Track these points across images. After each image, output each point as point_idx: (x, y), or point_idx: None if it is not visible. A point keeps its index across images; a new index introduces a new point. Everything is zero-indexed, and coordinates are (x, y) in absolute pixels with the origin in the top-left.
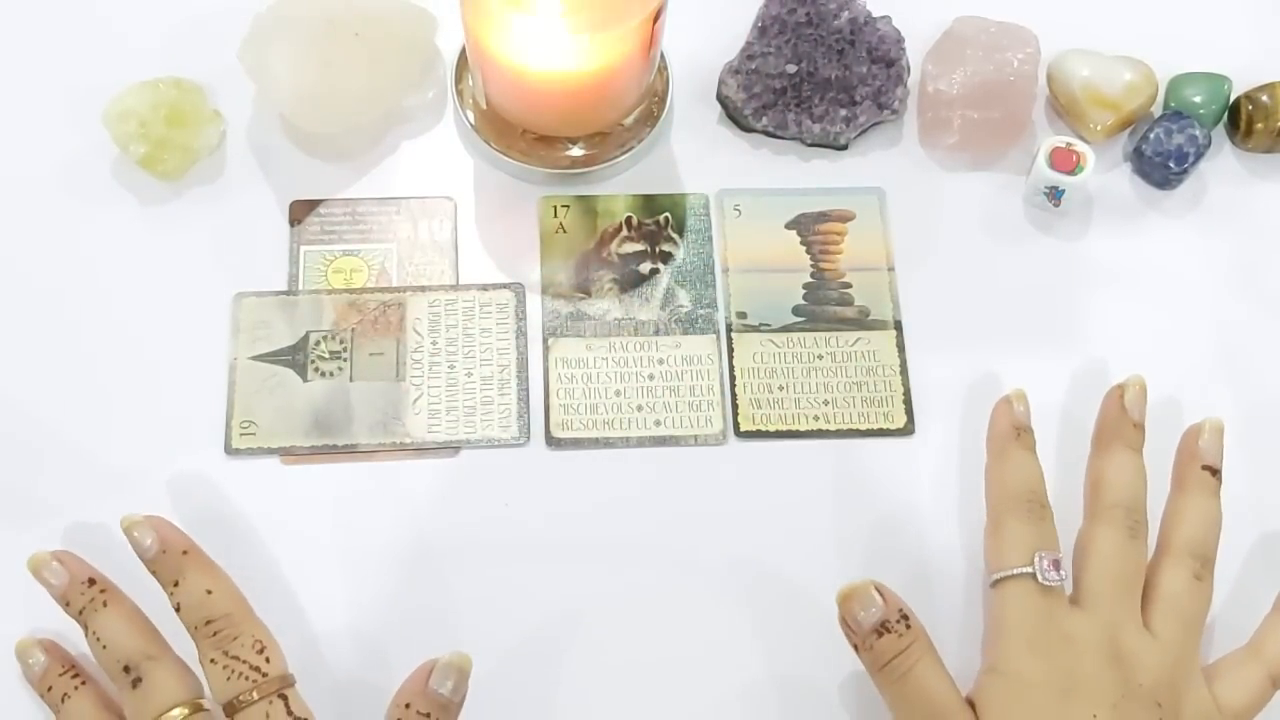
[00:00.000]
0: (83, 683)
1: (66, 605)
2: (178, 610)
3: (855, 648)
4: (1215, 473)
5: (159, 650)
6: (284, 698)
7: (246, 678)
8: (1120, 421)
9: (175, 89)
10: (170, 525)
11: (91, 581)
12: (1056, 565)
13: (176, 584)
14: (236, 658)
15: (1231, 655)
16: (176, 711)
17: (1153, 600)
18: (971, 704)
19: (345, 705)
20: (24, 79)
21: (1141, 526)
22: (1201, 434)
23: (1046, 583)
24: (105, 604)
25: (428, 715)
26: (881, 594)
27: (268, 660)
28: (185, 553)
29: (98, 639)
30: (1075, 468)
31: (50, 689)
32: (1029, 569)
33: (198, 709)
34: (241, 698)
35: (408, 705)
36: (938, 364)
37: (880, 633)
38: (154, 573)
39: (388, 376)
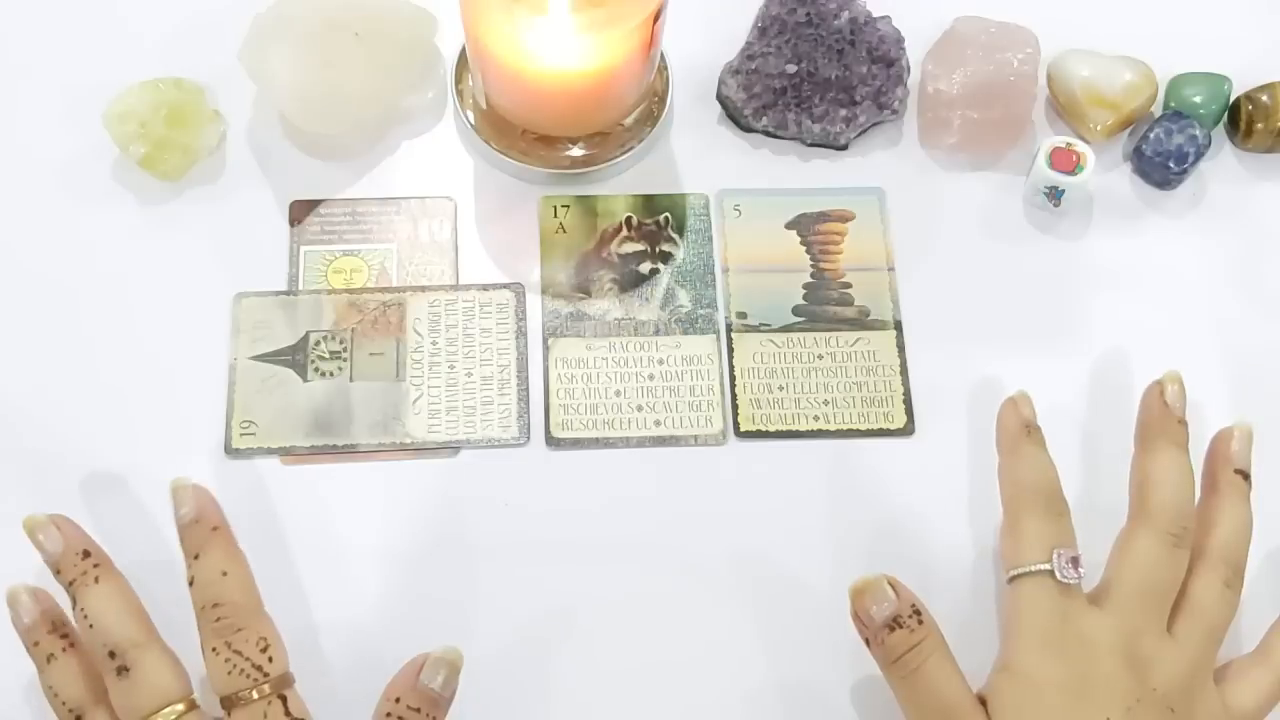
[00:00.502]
0: (71, 645)
1: (58, 574)
2: (190, 584)
3: (867, 642)
4: (1246, 477)
5: (147, 637)
6: (283, 698)
7: (248, 675)
8: (1165, 418)
9: (175, 89)
10: (211, 499)
11: (86, 554)
12: (1075, 563)
13: (197, 557)
14: (239, 652)
15: (1241, 659)
16: (169, 710)
17: (1180, 607)
18: (983, 701)
19: (345, 705)
20: (24, 79)
21: (1187, 534)
22: (1233, 438)
23: (1065, 580)
24: (97, 579)
25: (418, 710)
26: (894, 588)
27: (270, 659)
28: (215, 529)
29: (85, 616)
30: (1075, 468)
31: (37, 644)
32: (1047, 566)
33: (191, 706)
34: (241, 694)
35: (398, 700)
36: (938, 364)
37: (892, 627)
38: (181, 540)
39: (388, 376)
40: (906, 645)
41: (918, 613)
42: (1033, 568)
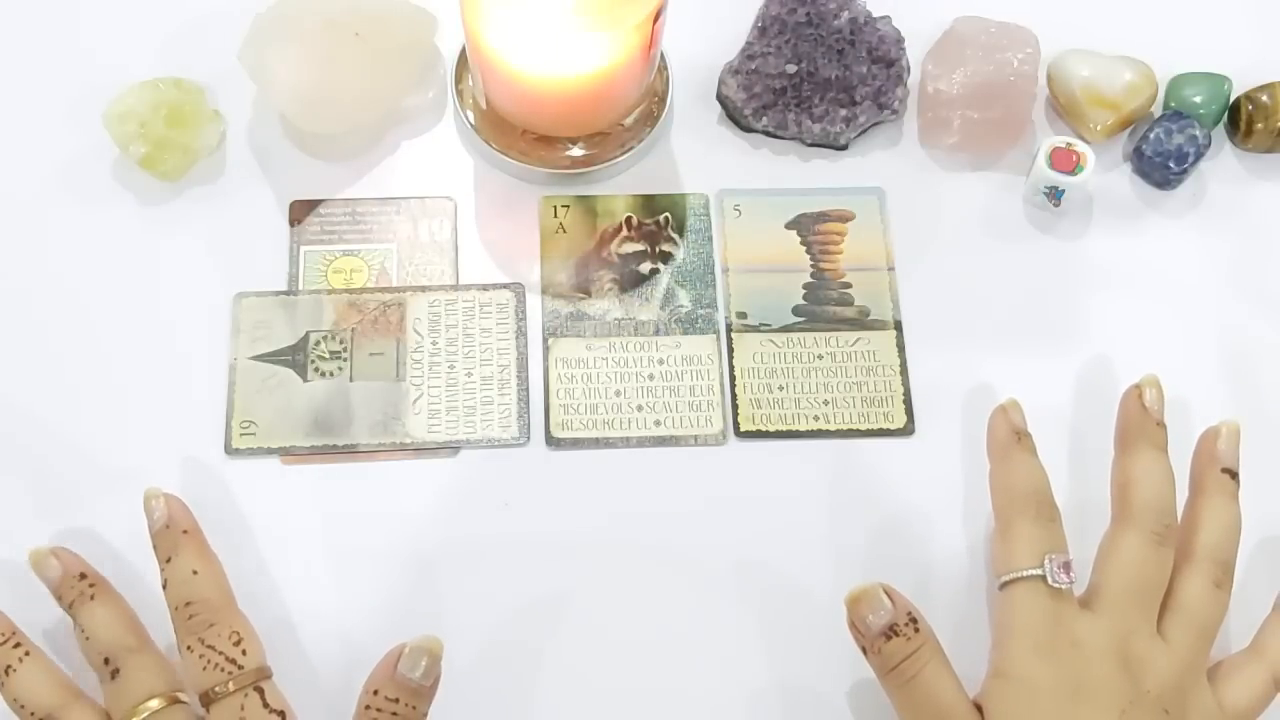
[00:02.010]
0: (27, 654)
1: (59, 599)
2: (164, 588)
3: (863, 650)
4: (1234, 476)
5: (139, 643)
6: (260, 690)
7: (222, 669)
8: (1143, 421)
9: (175, 89)
10: (182, 506)
11: (82, 576)
12: (1067, 568)
13: (169, 560)
14: (212, 647)
15: (1234, 656)
16: (153, 702)
17: (1170, 607)
18: (979, 707)
19: (343, 705)
20: (24, 79)
21: (1171, 532)
22: (1219, 437)
23: (1056, 585)
24: (92, 597)
25: (396, 700)
26: (890, 597)
27: (244, 653)
28: (185, 532)
29: (83, 631)
30: (1076, 468)
31: None
32: (1039, 571)
33: (174, 701)
34: (217, 689)
35: (376, 692)
36: (938, 364)
37: (889, 636)
38: (155, 548)
39: (388, 376)
40: (903, 654)
41: (914, 620)
42: (1025, 573)
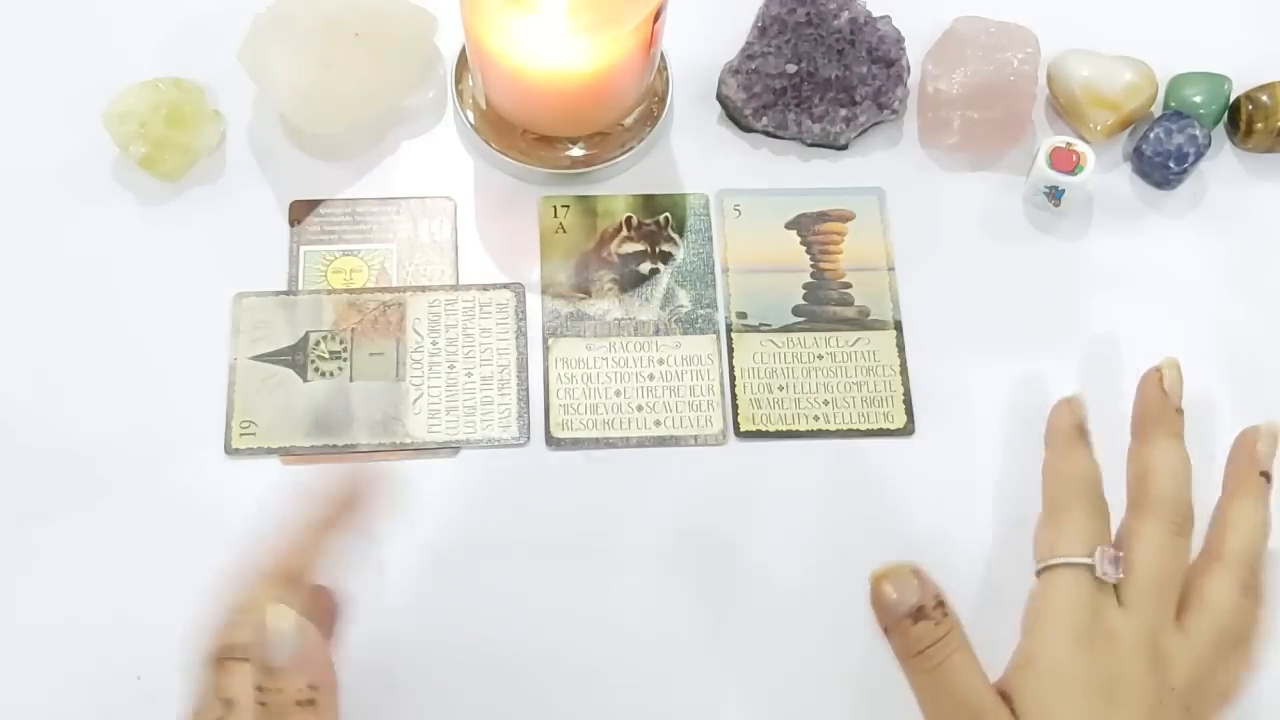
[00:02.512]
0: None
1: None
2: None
3: (885, 630)
4: (1269, 479)
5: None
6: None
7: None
8: (1163, 407)
9: (175, 89)
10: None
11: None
12: (1117, 563)
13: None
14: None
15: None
16: None
17: (1196, 606)
18: (1003, 697)
19: (342, 704)
20: (24, 79)
21: (1188, 522)
22: (1259, 439)
23: (1104, 577)
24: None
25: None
26: (919, 578)
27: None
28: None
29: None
30: None
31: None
32: (1088, 560)
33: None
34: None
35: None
36: (938, 364)
37: (915, 618)
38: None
39: (388, 376)
40: (930, 639)
41: (942, 604)
42: (1072, 559)
